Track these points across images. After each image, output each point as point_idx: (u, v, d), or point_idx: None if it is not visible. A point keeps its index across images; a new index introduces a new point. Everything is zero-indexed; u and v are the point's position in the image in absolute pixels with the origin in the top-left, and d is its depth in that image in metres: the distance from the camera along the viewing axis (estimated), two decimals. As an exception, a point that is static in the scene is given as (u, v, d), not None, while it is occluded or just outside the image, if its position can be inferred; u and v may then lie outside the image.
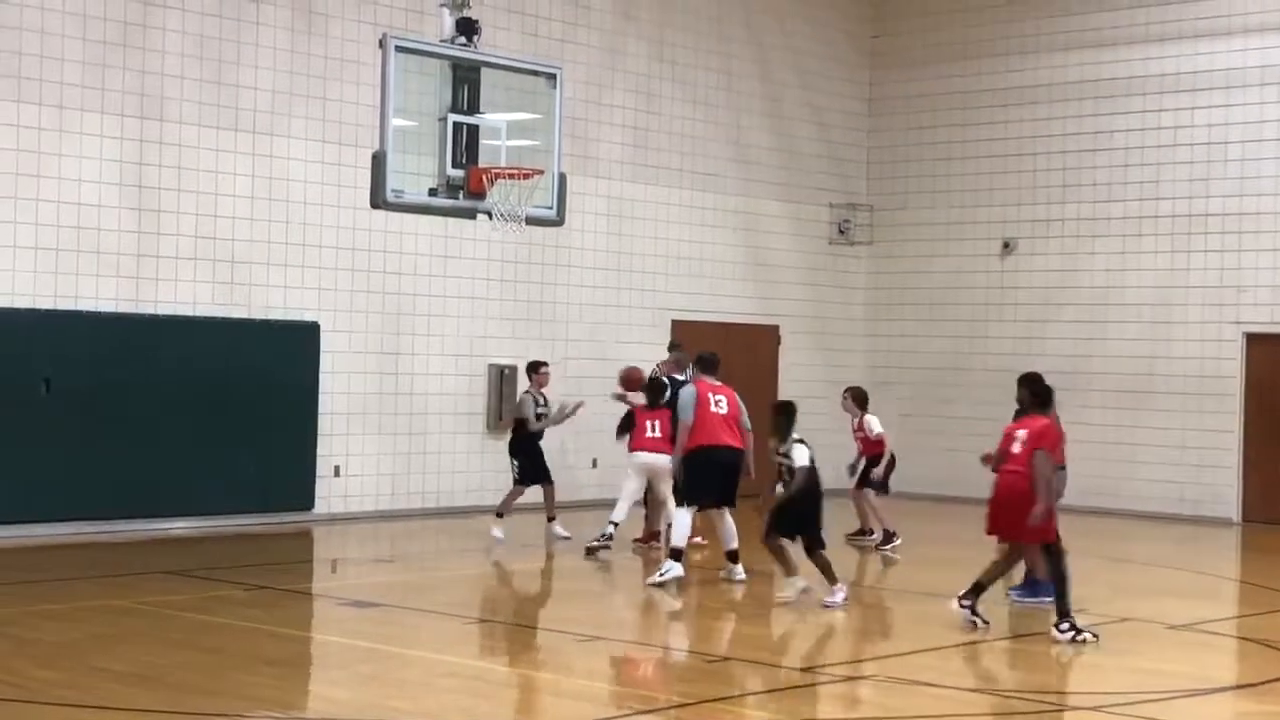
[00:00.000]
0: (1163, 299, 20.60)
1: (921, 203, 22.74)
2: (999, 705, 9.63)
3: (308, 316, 17.33)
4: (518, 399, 16.74)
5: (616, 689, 9.44)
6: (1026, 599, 12.59)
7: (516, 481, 16.12)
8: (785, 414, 12.76)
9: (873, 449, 16.29)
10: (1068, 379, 20.84)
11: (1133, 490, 20.56)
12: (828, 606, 12.30)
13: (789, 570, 12.57)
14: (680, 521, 13.45)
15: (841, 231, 22.81)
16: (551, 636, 11.41)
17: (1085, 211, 21.30)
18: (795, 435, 12.56)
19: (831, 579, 12.43)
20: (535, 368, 16.38)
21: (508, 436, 16.55)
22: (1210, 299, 20.24)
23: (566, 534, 15.92)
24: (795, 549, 12.53)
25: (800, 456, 12.38)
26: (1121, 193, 21.01)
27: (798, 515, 12.39)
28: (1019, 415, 12.20)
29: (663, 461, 14.29)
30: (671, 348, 16.78)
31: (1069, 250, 21.42)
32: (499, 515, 16.02)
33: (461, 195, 12.89)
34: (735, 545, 13.65)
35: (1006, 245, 21.93)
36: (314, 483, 17.30)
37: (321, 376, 17.37)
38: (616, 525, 14.87)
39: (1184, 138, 20.55)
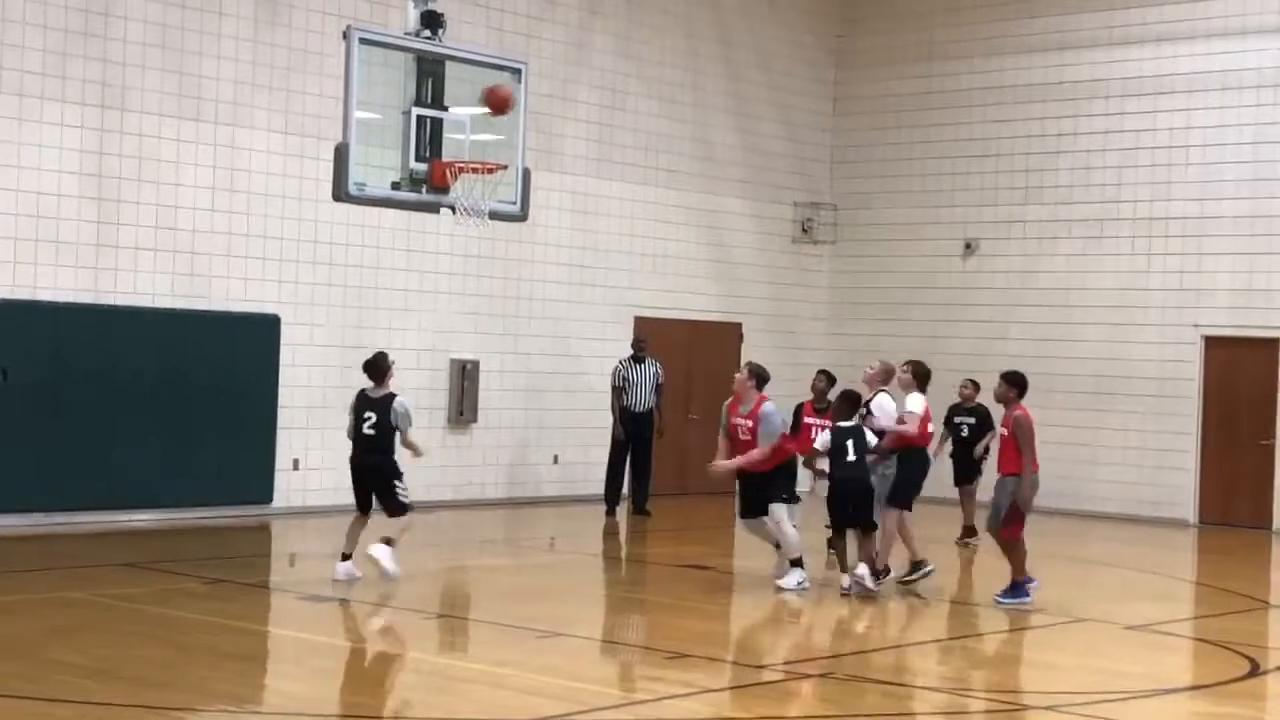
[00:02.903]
0: (1123, 301, 20.71)
1: (885, 202, 22.81)
2: (954, 704, 9.66)
3: (268, 309, 17.24)
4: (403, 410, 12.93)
5: (573, 684, 9.43)
6: (1008, 600, 12.59)
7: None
8: (850, 402, 13.17)
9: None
10: (1029, 379, 20.95)
11: (1091, 491, 20.67)
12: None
13: (844, 565, 12.93)
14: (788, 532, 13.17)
15: (805, 230, 22.85)
16: (511, 632, 11.39)
17: (1047, 213, 21.41)
18: (849, 420, 13.03)
19: (843, 566, 12.90)
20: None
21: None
22: (1170, 301, 20.36)
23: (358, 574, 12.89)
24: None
25: (820, 441, 13.05)
26: (1083, 195, 21.12)
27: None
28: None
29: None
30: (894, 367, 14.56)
31: (1031, 251, 21.52)
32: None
33: (425, 189, 12.85)
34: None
35: (969, 246, 22.02)
36: (273, 475, 17.23)
37: (282, 369, 17.28)
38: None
39: (1146, 141, 20.67)
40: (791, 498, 13.17)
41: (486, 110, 12.81)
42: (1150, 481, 20.34)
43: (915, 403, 13.65)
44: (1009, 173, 21.71)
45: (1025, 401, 12.92)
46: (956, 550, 16.40)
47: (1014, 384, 12.85)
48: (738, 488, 13.54)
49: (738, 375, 13.43)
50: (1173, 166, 20.45)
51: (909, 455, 13.45)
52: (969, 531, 16.70)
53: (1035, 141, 21.49)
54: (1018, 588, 12.61)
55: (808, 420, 14.82)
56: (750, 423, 13.04)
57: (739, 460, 13.06)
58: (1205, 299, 20.15)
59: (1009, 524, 12.53)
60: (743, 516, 13.47)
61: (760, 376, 13.30)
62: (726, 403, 13.41)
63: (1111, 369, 20.71)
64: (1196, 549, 18.68)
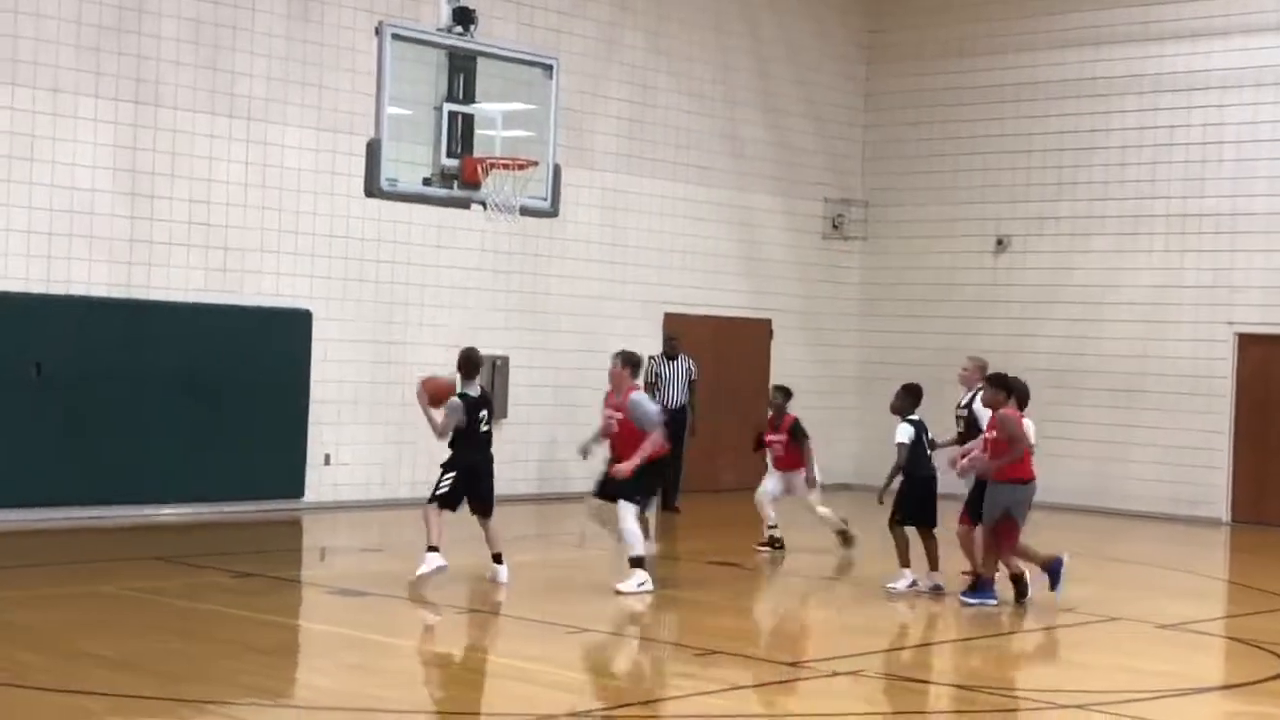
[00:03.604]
0: (1156, 298, 20.60)
1: (916, 199, 22.73)
2: (986, 703, 9.62)
3: (300, 304, 17.29)
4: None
5: (603, 680, 9.43)
6: (972, 600, 12.40)
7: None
8: (911, 395, 13.13)
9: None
10: (1060, 377, 20.90)
11: (1123, 489, 20.56)
12: (891, 590, 12.76)
13: (903, 560, 12.90)
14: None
15: (835, 226, 22.80)
16: (540, 628, 11.39)
17: (1080, 210, 21.30)
18: (912, 415, 12.97)
19: (902, 561, 12.90)
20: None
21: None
22: (1203, 299, 20.24)
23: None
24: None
25: (902, 434, 12.86)
26: (1117, 191, 21.00)
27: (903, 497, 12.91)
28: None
29: None
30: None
31: (1063, 249, 21.42)
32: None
33: (456, 185, 12.88)
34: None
35: (1000, 242, 21.92)
36: (304, 470, 17.28)
37: (313, 365, 17.33)
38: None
39: (1180, 137, 20.54)
40: (644, 500, 12.76)
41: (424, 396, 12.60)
42: (1183, 480, 20.22)
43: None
44: (1041, 169, 21.61)
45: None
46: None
47: (1003, 387, 12.44)
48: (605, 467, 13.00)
49: (611, 367, 13.01)
50: (1206, 163, 20.32)
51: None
52: None
53: (1068, 138, 21.38)
54: (985, 587, 12.40)
55: (768, 438, 15.20)
56: (620, 414, 12.69)
57: (638, 459, 12.48)
58: (1239, 296, 20.02)
59: (1005, 533, 12.33)
60: (596, 495, 12.91)
61: (633, 364, 13.03)
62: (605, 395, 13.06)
63: (1144, 366, 20.60)
64: (1229, 547, 18.57)
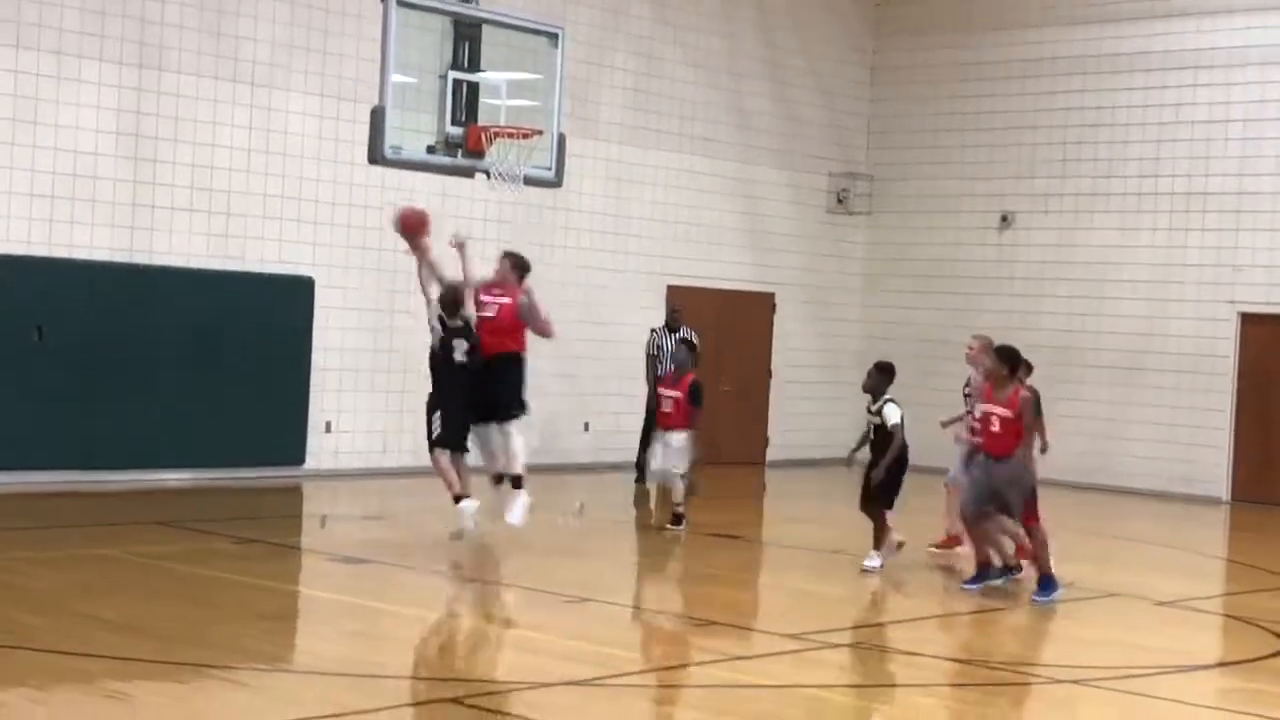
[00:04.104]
0: (1159, 276, 20.59)
1: (921, 174, 22.70)
2: (984, 676, 9.65)
3: (303, 271, 17.28)
4: None
5: (603, 649, 9.45)
6: (1044, 598, 11.87)
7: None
8: (885, 373, 12.75)
9: None
10: (1062, 354, 20.90)
11: (1123, 467, 20.58)
12: (866, 570, 12.53)
13: (880, 542, 12.68)
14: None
15: (840, 201, 22.76)
16: (541, 597, 11.42)
17: (1085, 187, 21.27)
18: (887, 395, 12.63)
19: (876, 543, 12.68)
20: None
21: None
22: (1206, 278, 20.22)
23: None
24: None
25: (893, 415, 12.49)
26: (1121, 169, 20.96)
27: (892, 480, 12.58)
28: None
29: None
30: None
31: (1067, 225, 21.39)
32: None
33: (460, 153, 12.87)
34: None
35: (1005, 219, 21.90)
36: (305, 437, 17.29)
37: (315, 332, 17.33)
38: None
39: (1185, 115, 20.49)
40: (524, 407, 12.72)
41: (399, 226, 12.70)
42: (1183, 458, 20.24)
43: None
44: (1047, 145, 21.56)
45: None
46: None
47: (1009, 360, 12.02)
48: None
49: (499, 266, 13.00)
50: (1211, 141, 20.28)
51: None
52: None
53: (1073, 114, 21.33)
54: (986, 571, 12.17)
55: (661, 391, 14.70)
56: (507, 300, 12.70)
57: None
58: (1242, 275, 20.01)
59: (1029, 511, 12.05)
60: (473, 423, 12.72)
61: (522, 266, 12.99)
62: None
63: (1146, 345, 20.60)
64: (1228, 526, 18.60)
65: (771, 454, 21.89)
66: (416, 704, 8.29)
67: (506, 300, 12.85)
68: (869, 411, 12.72)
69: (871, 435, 12.69)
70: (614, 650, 9.54)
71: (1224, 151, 20.19)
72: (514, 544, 12.90)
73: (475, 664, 9.42)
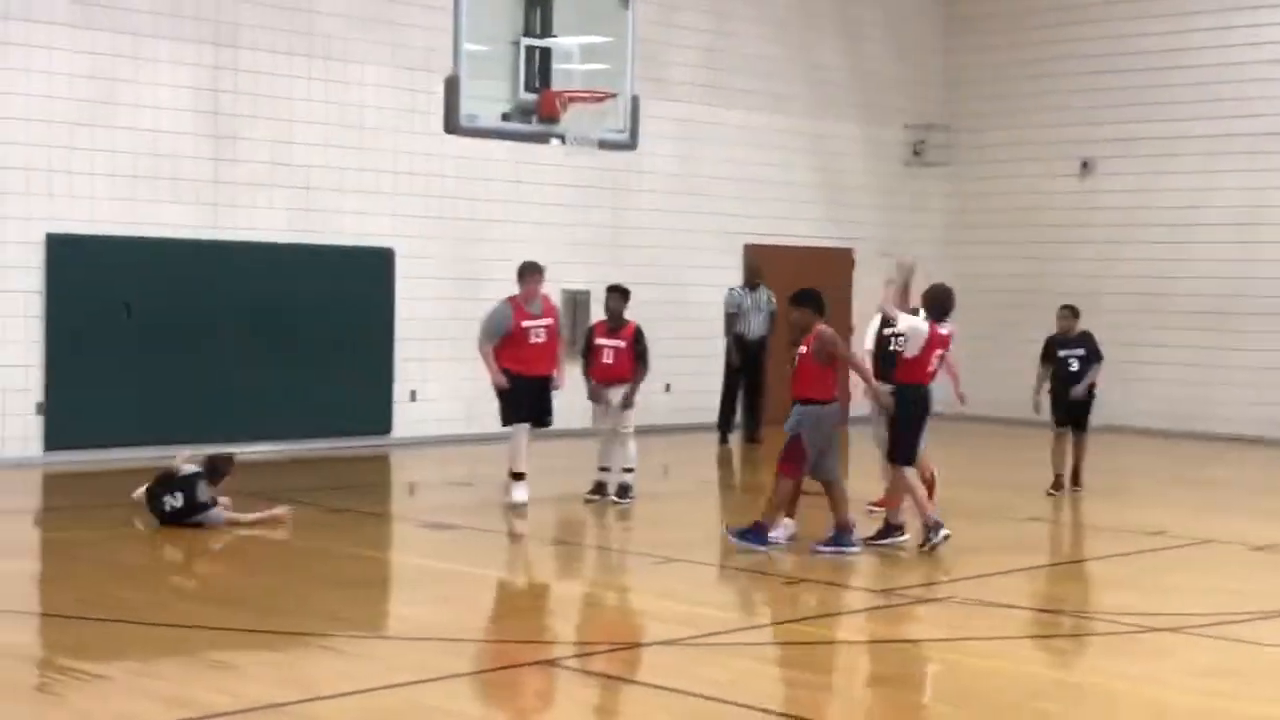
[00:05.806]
0: (1247, 219, 20.24)
1: (998, 123, 22.43)
2: (1079, 626, 9.58)
3: (382, 243, 17.39)
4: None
5: (693, 609, 9.48)
6: (826, 549, 11.45)
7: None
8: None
9: None
10: (1148, 301, 20.64)
11: (1215, 413, 20.30)
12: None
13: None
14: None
15: (917, 153, 22.56)
16: (628, 558, 11.45)
17: (1166, 130, 20.92)
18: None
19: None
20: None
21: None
22: (1294, 218, 19.87)
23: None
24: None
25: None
26: (1204, 110, 20.60)
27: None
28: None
29: None
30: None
31: (1150, 170, 21.07)
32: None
33: (535, 120, 12.86)
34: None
35: (1085, 165, 21.61)
36: (391, 407, 17.44)
37: (397, 303, 17.44)
38: None
39: (1268, 54, 20.10)
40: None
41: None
42: (1275, 402, 19.93)
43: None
44: (1125, 89, 21.22)
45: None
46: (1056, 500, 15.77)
47: (809, 303, 11.91)
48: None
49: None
50: (1295, 78, 19.90)
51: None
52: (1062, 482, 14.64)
53: (1153, 57, 20.98)
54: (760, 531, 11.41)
55: (599, 341, 13.62)
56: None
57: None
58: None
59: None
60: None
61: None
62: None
63: (1235, 288, 20.27)
64: (1324, 470, 18.32)
65: (854, 409, 21.77)
66: (512, 666, 8.35)
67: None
68: None
69: None
70: (705, 610, 9.56)
71: (1310, 89, 19.81)
72: (598, 507, 12.92)
73: (565, 627, 9.47)
